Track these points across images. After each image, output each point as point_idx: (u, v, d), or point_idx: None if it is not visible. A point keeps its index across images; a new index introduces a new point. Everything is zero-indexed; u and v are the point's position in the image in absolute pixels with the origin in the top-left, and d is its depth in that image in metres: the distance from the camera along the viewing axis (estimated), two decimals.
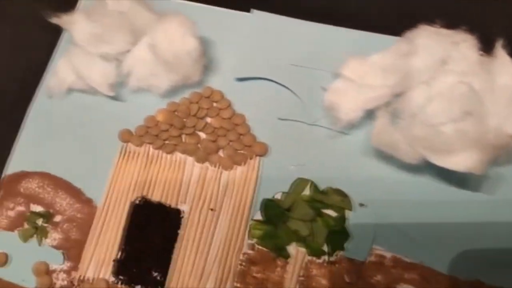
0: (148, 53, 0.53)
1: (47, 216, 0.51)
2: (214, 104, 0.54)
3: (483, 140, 0.45)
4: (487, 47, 0.50)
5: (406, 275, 0.46)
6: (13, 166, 0.54)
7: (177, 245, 0.49)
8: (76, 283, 0.49)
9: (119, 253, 0.49)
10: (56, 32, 0.59)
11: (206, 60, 0.54)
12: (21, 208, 0.52)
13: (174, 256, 0.49)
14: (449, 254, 0.47)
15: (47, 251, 0.50)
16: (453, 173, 0.46)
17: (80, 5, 0.60)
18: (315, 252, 0.47)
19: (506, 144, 0.46)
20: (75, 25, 0.54)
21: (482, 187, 0.48)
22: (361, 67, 0.50)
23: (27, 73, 0.58)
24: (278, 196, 0.50)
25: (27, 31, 0.60)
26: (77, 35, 0.54)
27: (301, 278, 0.47)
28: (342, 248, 0.48)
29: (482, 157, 0.45)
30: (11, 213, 0.52)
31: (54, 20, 0.54)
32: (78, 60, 0.54)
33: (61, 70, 0.55)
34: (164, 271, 0.48)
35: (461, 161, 0.44)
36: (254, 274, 0.48)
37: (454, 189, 0.48)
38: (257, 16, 0.57)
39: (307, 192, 0.50)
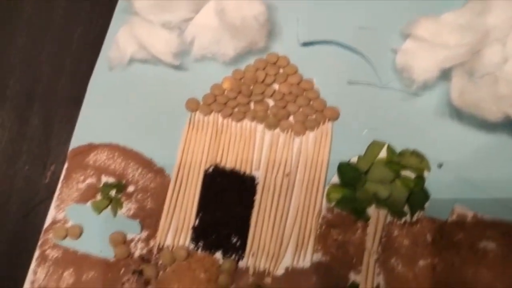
0: (212, 20, 0.54)
1: (120, 187, 0.53)
2: (281, 70, 0.56)
3: None
4: None
5: (488, 233, 0.48)
6: (78, 139, 0.55)
7: (254, 211, 0.51)
8: (155, 252, 0.51)
9: (197, 221, 0.51)
10: (111, 2, 0.60)
11: (270, 25, 0.55)
12: (92, 180, 0.54)
13: (252, 222, 0.51)
14: None
15: (122, 221, 0.52)
16: None
17: None
18: (396, 213, 0.49)
19: None
20: None
21: None
22: (434, 27, 0.51)
23: (84, 45, 0.60)
24: (354, 160, 0.52)
25: (80, 2, 0.61)
26: (138, 4, 0.55)
27: (383, 239, 0.49)
28: (423, 208, 0.49)
29: None
30: (82, 186, 0.54)
31: None
32: (140, 30, 0.55)
33: (122, 41, 0.56)
34: (243, 237, 0.50)
35: None
36: (335, 237, 0.50)
37: None
38: None
39: (383, 155, 0.51)
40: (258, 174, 0.52)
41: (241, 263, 0.50)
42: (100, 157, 0.54)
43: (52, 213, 0.53)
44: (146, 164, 0.54)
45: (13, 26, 0.62)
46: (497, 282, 0.47)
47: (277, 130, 0.54)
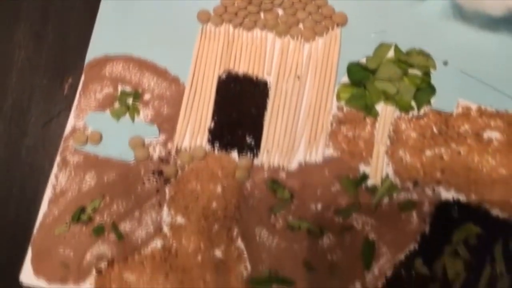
0: None
1: (137, 95, 0.56)
2: None
3: None
4: None
5: (492, 123, 0.52)
6: (94, 52, 0.58)
7: (267, 112, 0.54)
8: (173, 153, 0.54)
9: (212, 123, 0.55)
10: None
11: None
12: (109, 90, 0.57)
13: (266, 123, 0.54)
14: None
15: (140, 126, 0.55)
16: None
17: None
18: (404, 108, 0.53)
19: None
20: None
21: None
22: None
23: None
24: (363, 61, 0.55)
25: None
26: None
27: (391, 133, 0.53)
28: (429, 103, 0.53)
29: None
30: (99, 96, 0.57)
31: None
32: None
33: None
34: (258, 136, 0.54)
35: None
36: (345, 133, 0.53)
37: None
38: None
39: (391, 55, 0.54)
40: (270, 79, 0.56)
41: (256, 161, 0.53)
42: (115, 69, 0.57)
43: (71, 122, 0.56)
44: (161, 73, 0.57)
45: None
46: (501, 168, 0.51)
47: (287, 37, 0.57)
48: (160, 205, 0.53)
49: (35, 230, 0.53)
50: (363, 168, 0.52)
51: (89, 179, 0.54)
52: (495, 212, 0.50)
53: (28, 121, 0.57)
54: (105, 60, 0.58)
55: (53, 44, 0.60)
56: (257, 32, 0.57)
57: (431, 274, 0.48)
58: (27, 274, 0.52)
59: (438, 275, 0.48)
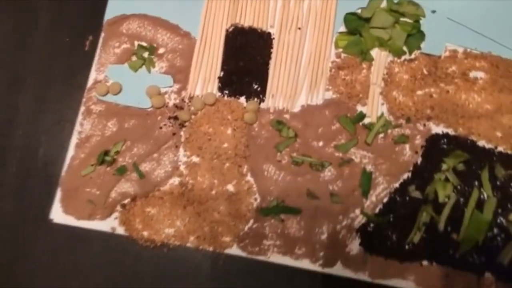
0: None
1: (152, 49, 0.60)
2: None
3: None
4: None
5: (477, 64, 0.56)
6: (111, 11, 0.62)
7: (271, 61, 0.59)
8: (187, 100, 0.59)
9: (222, 72, 0.59)
10: None
11: None
12: (126, 46, 0.61)
13: (270, 70, 0.59)
14: None
15: (156, 77, 0.60)
16: None
17: None
18: (396, 52, 0.57)
19: None
20: None
21: None
22: None
23: None
24: (358, 12, 0.59)
25: None
26: None
27: (385, 76, 0.57)
28: (419, 48, 0.57)
29: None
30: (118, 50, 0.61)
31: None
32: None
33: None
34: (263, 83, 0.58)
35: None
36: (343, 77, 0.57)
37: None
38: None
39: (383, 5, 0.59)
40: (274, 31, 0.60)
41: (263, 105, 0.58)
42: (132, 26, 0.62)
43: (93, 75, 0.61)
44: (173, 29, 0.61)
45: None
46: (486, 104, 0.55)
47: None
48: (177, 147, 0.57)
49: (63, 173, 0.58)
50: (360, 108, 0.57)
51: (111, 126, 0.59)
52: (481, 143, 0.55)
53: (53, 74, 0.62)
54: (122, 18, 0.62)
55: (74, 5, 0.64)
56: None
57: (423, 198, 0.53)
58: (57, 212, 0.57)
59: (430, 198, 0.53)
